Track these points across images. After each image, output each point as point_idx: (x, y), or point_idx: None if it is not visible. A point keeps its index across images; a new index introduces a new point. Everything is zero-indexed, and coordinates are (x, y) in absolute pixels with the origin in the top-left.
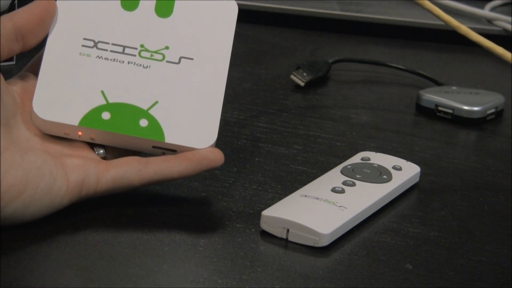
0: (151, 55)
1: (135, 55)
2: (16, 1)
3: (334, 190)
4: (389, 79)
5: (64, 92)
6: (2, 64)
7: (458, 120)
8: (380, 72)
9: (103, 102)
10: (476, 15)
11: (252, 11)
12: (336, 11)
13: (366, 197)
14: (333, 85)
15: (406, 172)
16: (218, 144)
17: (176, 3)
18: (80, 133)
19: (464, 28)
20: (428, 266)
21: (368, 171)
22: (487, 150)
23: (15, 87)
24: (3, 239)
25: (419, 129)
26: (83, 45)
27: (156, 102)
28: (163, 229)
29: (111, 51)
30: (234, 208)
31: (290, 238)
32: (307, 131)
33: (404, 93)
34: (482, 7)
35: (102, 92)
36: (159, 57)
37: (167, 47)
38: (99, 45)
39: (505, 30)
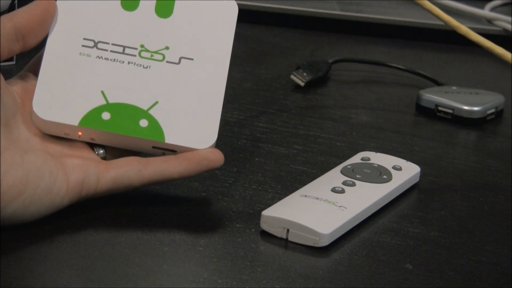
0: (151, 55)
1: (135, 55)
2: (16, 1)
3: (334, 190)
4: (389, 79)
5: (64, 92)
6: (2, 64)
7: (458, 120)
8: (380, 72)
9: (103, 102)
10: (476, 15)
11: (252, 11)
12: (336, 11)
13: (366, 197)
14: (333, 85)
15: (406, 172)
16: (218, 144)
17: (176, 3)
18: (80, 133)
19: (463, 28)
20: (428, 266)
21: (368, 171)
22: (487, 150)
23: (15, 87)
24: (3, 239)
25: (419, 129)
26: (83, 45)
27: (156, 103)
28: (163, 229)
29: (111, 51)
30: (234, 208)
31: (290, 238)
32: (307, 131)
33: (404, 93)
34: (482, 7)
35: (102, 92)
36: (159, 57)
37: (167, 47)
38: (99, 45)
39: (505, 30)
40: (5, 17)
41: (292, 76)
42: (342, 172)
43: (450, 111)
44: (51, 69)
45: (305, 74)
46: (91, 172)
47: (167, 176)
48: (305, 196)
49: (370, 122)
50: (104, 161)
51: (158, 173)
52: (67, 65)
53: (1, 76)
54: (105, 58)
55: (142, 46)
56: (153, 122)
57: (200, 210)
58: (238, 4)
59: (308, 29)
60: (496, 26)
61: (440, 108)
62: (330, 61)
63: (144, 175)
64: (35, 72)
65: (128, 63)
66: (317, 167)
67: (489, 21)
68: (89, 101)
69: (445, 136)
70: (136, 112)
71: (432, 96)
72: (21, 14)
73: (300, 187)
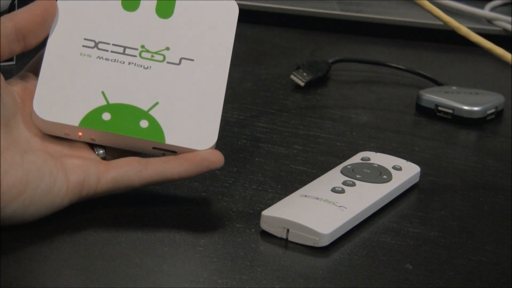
0: (152, 56)
1: (135, 56)
2: (16, 1)
3: (334, 190)
4: (389, 79)
5: (64, 92)
6: (2, 64)
7: (458, 120)
8: (380, 72)
9: (104, 102)
10: (476, 15)
11: (252, 11)
12: (336, 11)
13: (366, 197)
14: (333, 85)
15: (406, 172)
16: (218, 144)
17: (177, 4)
18: (80, 133)
19: (464, 29)
20: (428, 266)
21: (368, 171)
22: (487, 150)
23: (16, 87)
24: (3, 239)
25: (419, 129)
26: (83, 46)
27: (157, 103)
28: (163, 229)
29: (111, 51)
30: (234, 208)
31: (290, 238)
32: (307, 131)
33: (404, 93)
34: (482, 7)
35: (103, 93)
36: (160, 58)
37: (167, 48)
38: (100, 46)
39: (505, 30)
40: (5, 17)
41: (292, 76)
42: (342, 172)
43: (450, 111)
44: (52, 69)
45: (305, 74)
46: (91, 172)
47: (167, 176)
48: (305, 196)
49: (370, 122)
50: (104, 161)
51: (158, 173)
52: (68, 65)
53: (1, 76)
54: (105, 59)
55: (142, 46)
56: (154, 123)
57: (200, 210)
58: (238, 4)
59: (308, 29)
60: (496, 26)
61: (440, 108)
62: (330, 61)
63: (144, 175)
64: (35, 72)
65: (129, 63)
66: (317, 167)
67: (489, 21)
68: (89, 101)
69: (445, 136)
70: (137, 113)
71: (432, 96)
72: (22, 15)
73: (300, 187)
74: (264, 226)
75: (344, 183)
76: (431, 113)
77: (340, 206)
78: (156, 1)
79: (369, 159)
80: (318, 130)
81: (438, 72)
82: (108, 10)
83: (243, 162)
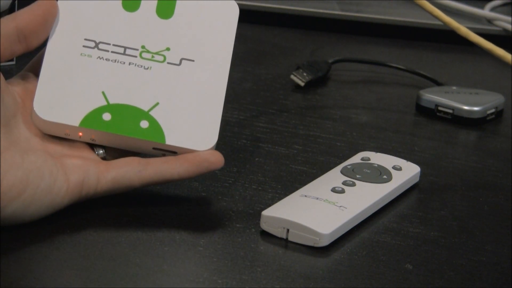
0: (152, 56)
1: (136, 56)
2: (16, 1)
3: (334, 190)
4: (389, 79)
5: (65, 92)
6: (2, 64)
7: (458, 120)
8: (380, 72)
9: (104, 103)
10: (476, 15)
11: (252, 11)
12: (336, 11)
13: (366, 197)
14: (333, 85)
15: (406, 172)
16: (218, 144)
17: (177, 4)
18: (80, 133)
19: (464, 30)
20: (428, 266)
21: (368, 171)
22: (487, 150)
23: (16, 87)
24: (3, 239)
25: (419, 129)
26: (84, 46)
27: (157, 104)
28: (163, 229)
29: (112, 52)
30: (234, 208)
31: (290, 238)
32: (307, 131)
33: (404, 93)
34: (482, 7)
35: (103, 93)
36: (160, 58)
37: (168, 49)
38: (100, 46)
39: (505, 30)
40: (7, 18)
41: (292, 76)
42: (342, 172)
43: (450, 111)
44: (52, 69)
45: (305, 74)
46: (91, 172)
47: (167, 177)
48: (305, 196)
49: (370, 122)
50: (104, 162)
51: (158, 174)
52: (68, 65)
53: (1, 76)
54: (106, 59)
55: (143, 47)
56: (154, 123)
57: (200, 210)
58: (238, 4)
59: (308, 29)
60: (496, 26)
61: (440, 108)
62: (330, 61)
63: (144, 175)
64: (36, 72)
65: (129, 64)
66: (317, 167)
67: (489, 21)
68: (90, 101)
69: (445, 136)
70: (137, 113)
71: (432, 96)
72: (23, 15)
73: (300, 187)
74: (264, 226)
75: (344, 183)
76: (431, 113)
77: (340, 206)
78: (156, 2)
79: (369, 159)
80: (318, 130)
81: (438, 72)
82: (109, 11)
83: (243, 162)
